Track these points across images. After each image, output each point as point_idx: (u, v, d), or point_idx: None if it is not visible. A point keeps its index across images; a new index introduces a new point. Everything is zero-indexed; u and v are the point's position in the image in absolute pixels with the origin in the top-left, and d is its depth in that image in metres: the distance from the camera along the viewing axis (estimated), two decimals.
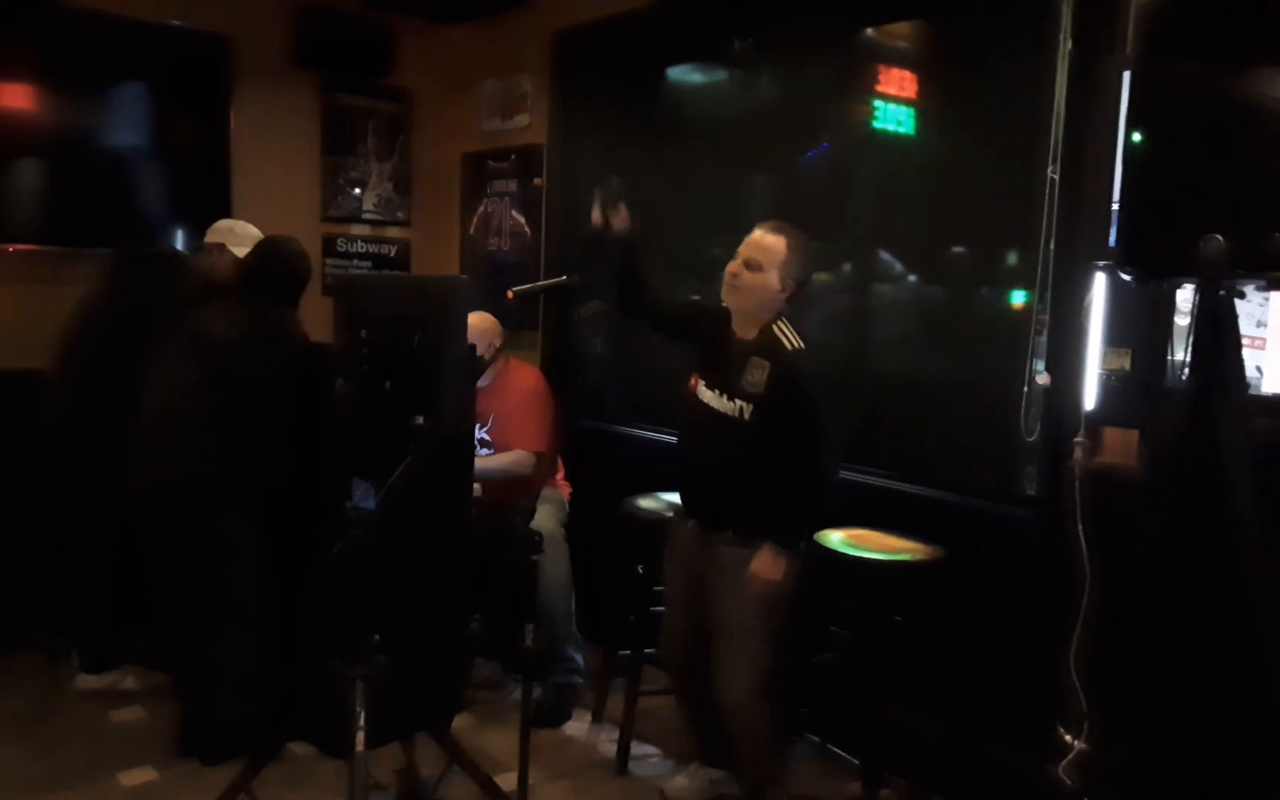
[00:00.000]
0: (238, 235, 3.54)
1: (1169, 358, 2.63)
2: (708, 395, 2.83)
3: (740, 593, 2.76)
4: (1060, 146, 2.83)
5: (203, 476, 3.10)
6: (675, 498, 3.23)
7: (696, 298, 3.04)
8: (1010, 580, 3.00)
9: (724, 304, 2.84)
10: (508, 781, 2.85)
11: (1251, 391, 2.38)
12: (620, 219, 2.86)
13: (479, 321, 3.69)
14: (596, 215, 2.86)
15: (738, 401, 2.75)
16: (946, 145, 3.33)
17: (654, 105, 4.25)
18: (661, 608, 3.13)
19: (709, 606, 2.85)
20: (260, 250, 3.39)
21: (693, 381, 2.90)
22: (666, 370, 4.03)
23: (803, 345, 2.76)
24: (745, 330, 2.82)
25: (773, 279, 2.76)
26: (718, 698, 2.85)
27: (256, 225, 3.68)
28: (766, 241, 2.77)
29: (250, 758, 2.74)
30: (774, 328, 2.78)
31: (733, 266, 2.79)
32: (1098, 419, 2.80)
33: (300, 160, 4.86)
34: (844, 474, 3.30)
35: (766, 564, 2.72)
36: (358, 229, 5.08)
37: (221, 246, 3.54)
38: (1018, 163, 2.97)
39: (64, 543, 3.71)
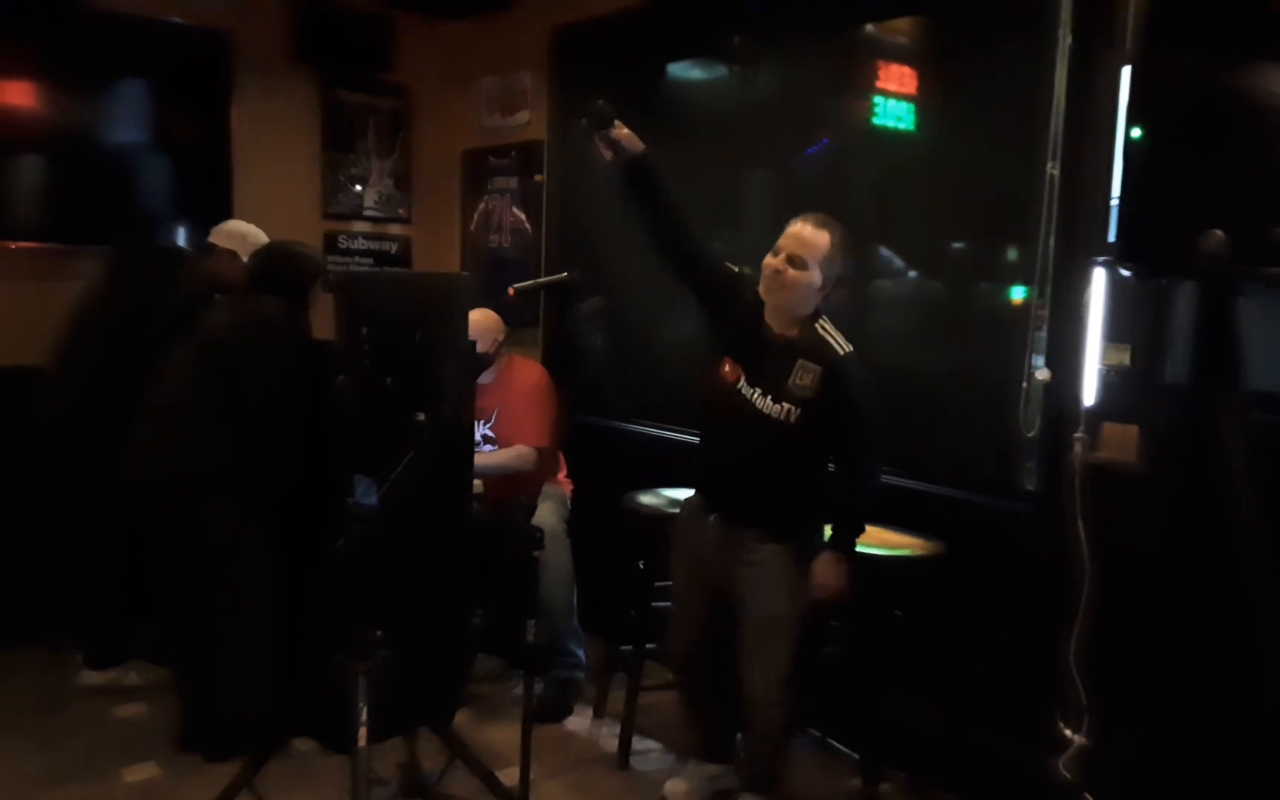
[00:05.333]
0: (250, 243, 3.57)
1: (1169, 353, 2.63)
2: (748, 392, 2.70)
3: (774, 587, 2.72)
4: (1060, 142, 2.82)
5: (204, 470, 3.10)
6: (676, 493, 3.23)
7: (735, 267, 2.80)
8: (1010, 575, 3.01)
9: (762, 297, 2.71)
10: (509, 776, 2.86)
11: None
12: (626, 139, 2.65)
13: (481, 319, 3.70)
14: (603, 150, 2.67)
15: (784, 405, 2.65)
16: (946, 141, 3.33)
17: (654, 101, 4.24)
18: (663, 603, 3.13)
19: (736, 600, 2.79)
20: (264, 250, 3.43)
21: (727, 370, 2.73)
22: (667, 365, 4.05)
23: (851, 348, 2.67)
24: (783, 327, 2.70)
25: (815, 276, 2.65)
26: (745, 689, 2.78)
27: (259, 222, 3.72)
28: (811, 237, 2.65)
29: (253, 753, 2.75)
30: (818, 328, 2.68)
31: (775, 263, 2.66)
32: (1097, 414, 2.80)
33: (301, 156, 4.86)
34: None
35: (829, 571, 2.68)
36: (359, 226, 5.08)
37: (233, 254, 3.58)
38: (1017, 158, 2.97)
39: (68, 538, 3.72)
